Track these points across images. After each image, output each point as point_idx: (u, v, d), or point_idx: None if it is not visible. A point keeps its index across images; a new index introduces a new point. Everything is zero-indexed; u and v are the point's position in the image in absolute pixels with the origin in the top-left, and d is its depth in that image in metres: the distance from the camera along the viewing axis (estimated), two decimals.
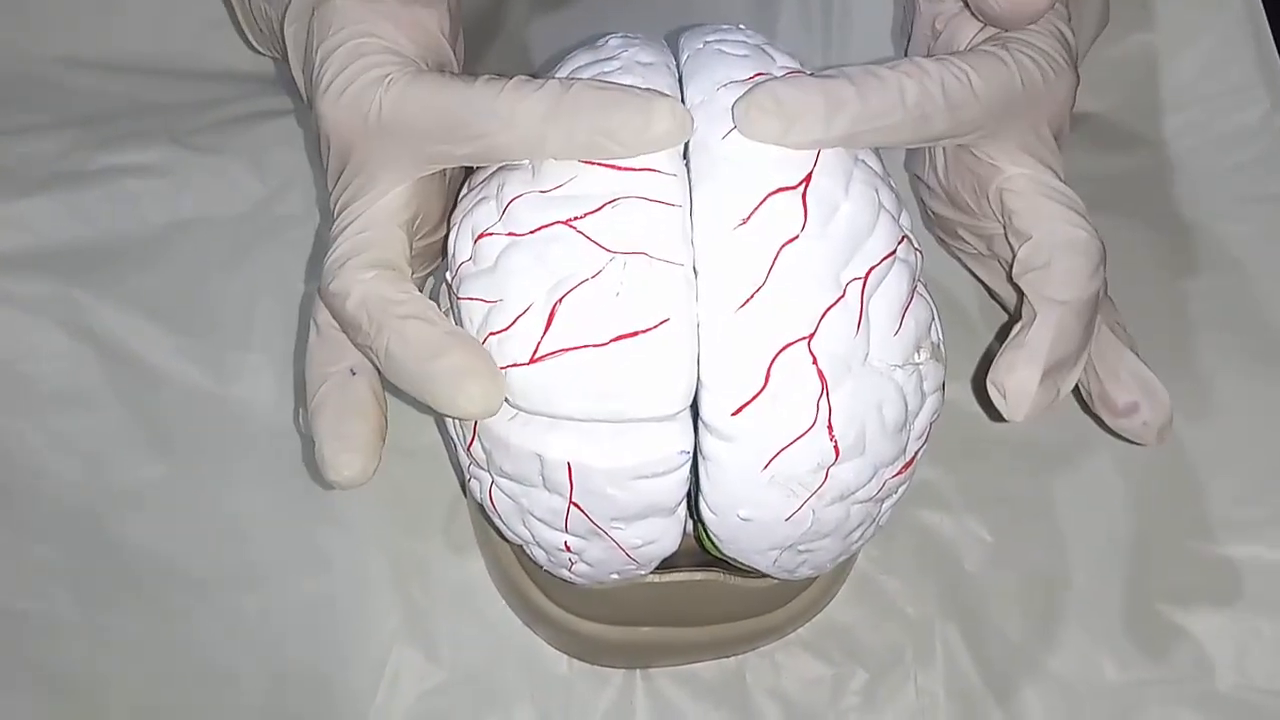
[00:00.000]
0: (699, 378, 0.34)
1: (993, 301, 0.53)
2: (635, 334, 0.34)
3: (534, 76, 0.41)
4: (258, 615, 0.49)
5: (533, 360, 0.34)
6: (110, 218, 0.55)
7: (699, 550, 0.41)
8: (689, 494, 0.37)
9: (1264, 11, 0.60)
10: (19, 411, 0.52)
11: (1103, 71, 0.61)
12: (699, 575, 0.42)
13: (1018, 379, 0.38)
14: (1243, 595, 0.49)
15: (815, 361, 0.34)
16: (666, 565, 0.41)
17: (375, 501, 0.51)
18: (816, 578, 0.46)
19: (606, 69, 0.38)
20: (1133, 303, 0.55)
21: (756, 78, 0.37)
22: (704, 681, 0.49)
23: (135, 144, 0.57)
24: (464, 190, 0.39)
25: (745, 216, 0.34)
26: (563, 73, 0.39)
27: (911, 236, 0.38)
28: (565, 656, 0.49)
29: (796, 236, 0.34)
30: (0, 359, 0.52)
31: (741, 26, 0.41)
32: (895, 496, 0.39)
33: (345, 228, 0.39)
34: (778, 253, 0.34)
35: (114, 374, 0.52)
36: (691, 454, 0.35)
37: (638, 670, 0.49)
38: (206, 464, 0.51)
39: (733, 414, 0.34)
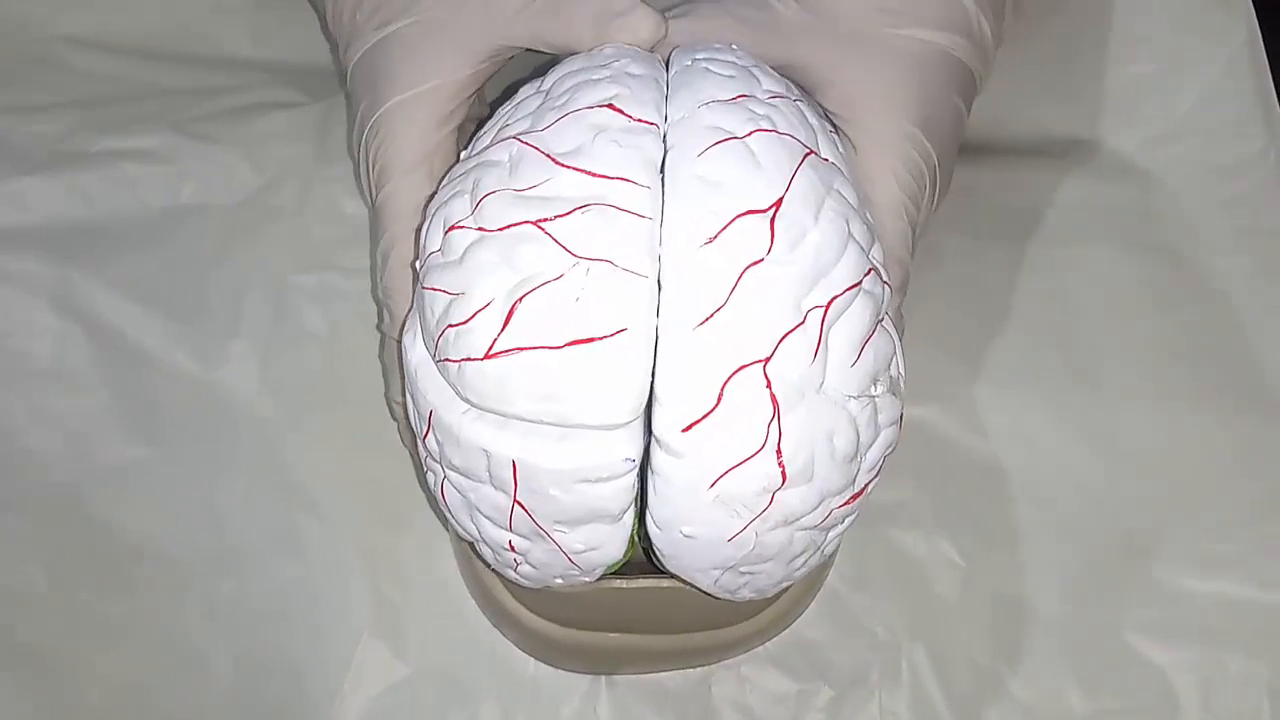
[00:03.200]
0: (653, 391, 0.34)
1: (979, 335, 0.53)
2: (591, 340, 0.34)
3: (531, 79, 0.41)
4: (231, 600, 0.49)
5: (487, 356, 0.35)
6: (108, 200, 0.56)
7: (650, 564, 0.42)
8: (641, 512, 0.38)
9: (1264, 45, 0.60)
10: (6, 386, 0.52)
11: (1099, 100, 0.61)
12: (664, 583, 0.42)
13: None
14: (1212, 631, 0.49)
15: (769, 385, 0.34)
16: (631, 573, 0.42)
17: (353, 495, 0.51)
18: (783, 593, 0.47)
19: (595, 76, 0.38)
20: (1119, 333, 0.55)
21: (739, 99, 0.37)
22: (669, 692, 0.49)
23: (137, 129, 0.58)
24: (442, 182, 0.40)
25: (712, 235, 0.34)
26: (556, 75, 0.40)
27: (881, 270, 0.38)
28: (532, 660, 0.49)
29: (761, 259, 0.34)
30: None
31: (734, 47, 0.41)
32: (841, 526, 0.39)
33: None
34: (741, 274, 0.34)
35: (102, 354, 0.53)
36: (638, 463, 0.35)
37: (603, 677, 0.49)
38: (188, 448, 0.52)
39: (683, 430, 0.34)
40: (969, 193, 0.58)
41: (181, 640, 0.49)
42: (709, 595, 0.41)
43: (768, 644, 0.49)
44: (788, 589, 0.46)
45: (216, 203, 0.56)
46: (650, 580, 0.42)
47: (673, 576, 0.41)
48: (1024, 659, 0.49)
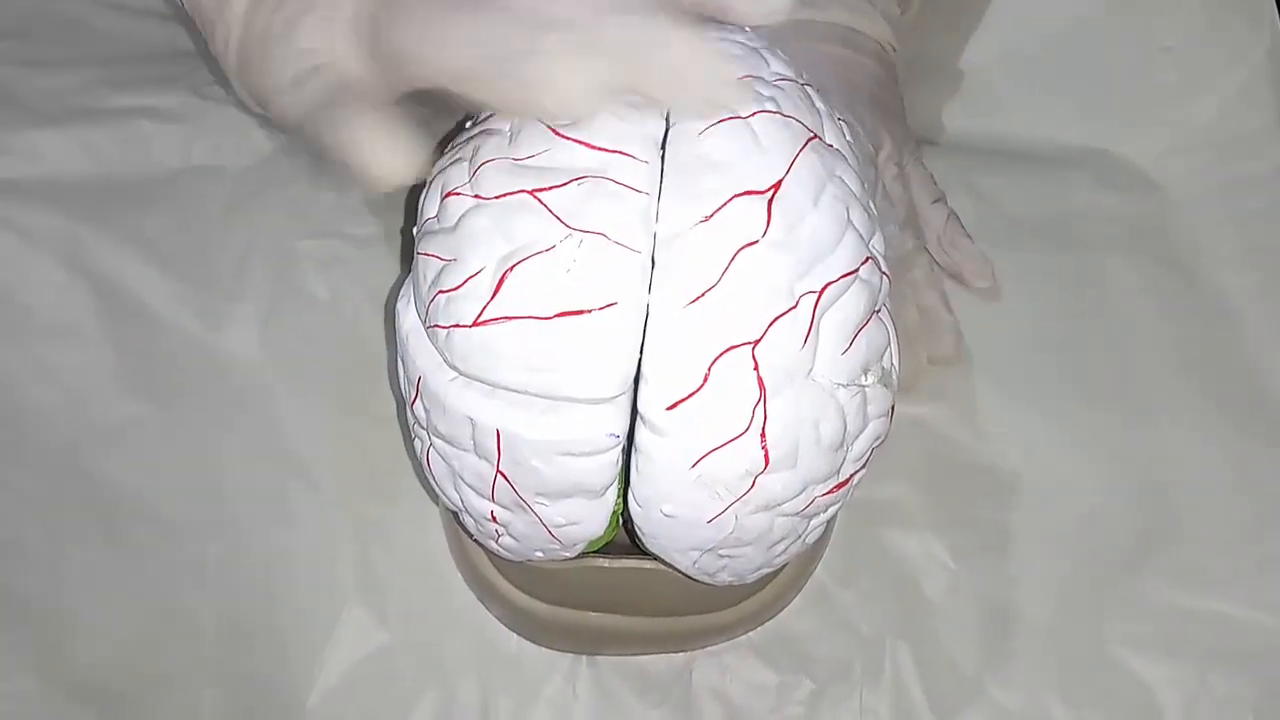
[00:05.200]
0: (640, 367, 0.34)
1: (984, 338, 0.53)
2: (580, 313, 0.34)
3: None
4: (219, 561, 0.49)
5: (476, 323, 0.34)
6: (120, 157, 0.56)
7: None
8: (624, 490, 0.37)
9: None
10: (9, 339, 0.52)
11: (1117, 110, 0.61)
12: (647, 564, 0.42)
13: None
14: (1200, 648, 0.49)
15: (757, 368, 0.34)
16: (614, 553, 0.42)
17: (346, 463, 0.51)
18: (769, 582, 0.46)
19: None
20: (1124, 343, 0.55)
21: (745, 79, 0.37)
22: (649, 676, 0.49)
23: (153, 88, 0.58)
24: (445, 149, 0.39)
25: (708, 214, 0.34)
26: None
27: (880, 259, 0.38)
28: (515, 636, 0.49)
29: (756, 241, 0.34)
30: None
31: (746, 29, 0.41)
32: (824, 515, 0.39)
33: None
34: (735, 254, 0.34)
35: (106, 311, 0.53)
36: (622, 439, 0.35)
37: (584, 658, 0.49)
38: (186, 409, 0.52)
39: (668, 408, 0.34)
40: (982, 198, 0.58)
41: (169, 599, 0.49)
42: (689, 578, 0.41)
43: (751, 634, 0.49)
44: (772, 578, 0.46)
45: (228, 165, 0.57)
46: (633, 561, 0.42)
47: (655, 558, 0.41)
48: (1008, 664, 0.49)
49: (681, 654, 0.49)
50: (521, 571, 0.44)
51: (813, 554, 0.48)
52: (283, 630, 0.48)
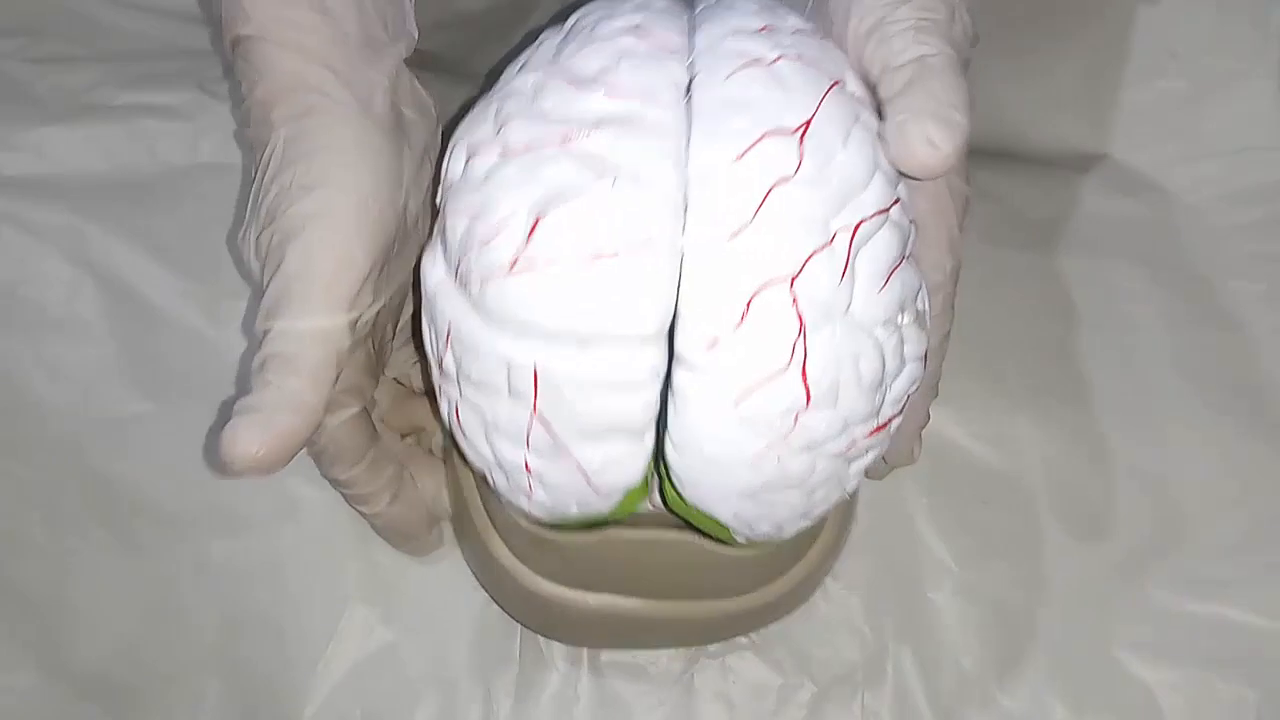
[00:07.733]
0: (676, 311, 0.34)
1: (990, 343, 0.53)
2: (615, 255, 0.34)
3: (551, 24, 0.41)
4: (222, 559, 0.49)
5: (511, 273, 0.34)
6: (127, 155, 0.56)
7: (668, 515, 0.41)
8: (659, 441, 0.37)
9: None
10: (14, 334, 0.52)
11: (1124, 115, 0.61)
12: (671, 534, 0.41)
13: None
14: (1204, 653, 0.49)
15: (795, 303, 0.33)
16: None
17: None
18: (784, 573, 0.46)
19: (619, 9, 0.38)
20: (1129, 349, 0.55)
21: (765, 29, 0.37)
22: (651, 677, 0.49)
23: (161, 86, 0.58)
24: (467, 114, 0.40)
25: (740, 153, 0.34)
26: (577, 16, 0.40)
27: (906, 205, 0.38)
28: (517, 638, 0.49)
29: (789, 178, 0.34)
30: (2, 280, 0.53)
31: None
32: (864, 459, 0.38)
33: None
34: (769, 191, 0.34)
35: (112, 307, 0.53)
36: (662, 376, 0.35)
37: (586, 659, 0.49)
38: (191, 405, 0.51)
39: (707, 347, 0.34)
40: (989, 199, 0.59)
41: (170, 595, 0.48)
42: (723, 543, 0.40)
43: (753, 635, 0.49)
44: (795, 556, 0.45)
45: (234, 162, 0.56)
46: (658, 531, 0.41)
47: (681, 528, 0.40)
48: (1011, 669, 0.49)
49: (683, 656, 0.49)
50: (537, 551, 0.43)
51: (835, 543, 0.47)
52: (286, 628, 0.48)
